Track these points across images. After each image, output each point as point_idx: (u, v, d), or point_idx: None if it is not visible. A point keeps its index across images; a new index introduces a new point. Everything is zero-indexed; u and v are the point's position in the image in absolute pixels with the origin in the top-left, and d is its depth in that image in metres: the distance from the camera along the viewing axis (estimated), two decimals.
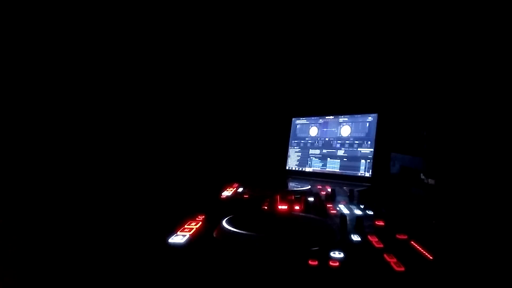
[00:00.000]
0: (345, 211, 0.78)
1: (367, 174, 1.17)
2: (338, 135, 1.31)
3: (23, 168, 1.00)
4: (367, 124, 1.23)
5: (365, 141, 1.22)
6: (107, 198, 0.91)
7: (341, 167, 1.25)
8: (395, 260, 0.47)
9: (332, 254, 0.49)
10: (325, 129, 1.36)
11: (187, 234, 0.58)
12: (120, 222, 0.68)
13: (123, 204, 0.84)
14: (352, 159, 1.23)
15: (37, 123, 1.08)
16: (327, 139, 1.34)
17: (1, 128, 1.00)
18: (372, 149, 1.19)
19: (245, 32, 1.92)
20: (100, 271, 0.46)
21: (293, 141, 1.45)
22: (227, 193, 0.99)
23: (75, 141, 1.15)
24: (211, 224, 0.63)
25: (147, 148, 1.68)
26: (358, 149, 1.22)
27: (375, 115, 1.22)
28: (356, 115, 1.28)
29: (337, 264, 0.46)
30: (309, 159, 1.36)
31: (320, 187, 1.09)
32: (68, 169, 1.09)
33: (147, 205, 0.83)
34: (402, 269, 0.45)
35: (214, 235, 0.58)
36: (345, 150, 1.26)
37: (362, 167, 1.19)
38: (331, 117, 1.36)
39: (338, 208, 0.80)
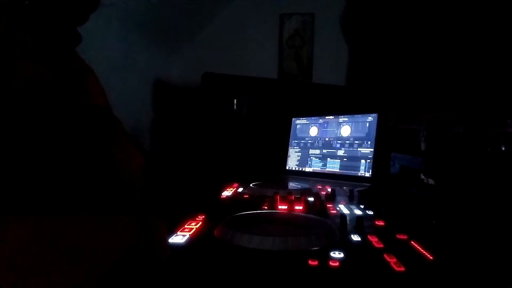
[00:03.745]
0: (345, 211, 0.78)
1: (367, 174, 1.17)
2: (338, 135, 1.31)
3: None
4: (367, 124, 1.23)
5: (365, 141, 1.22)
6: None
7: (341, 167, 1.25)
8: (395, 260, 0.47)
9: (332, 254, 0.49)
10: (325, 129, 1.36)
11: (187, 234, 0.58)
12: None
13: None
14: (352, 159, 1.23)
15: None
16: (327, 139, 1.34)
17: None
18: (372, 149, 1.19)
19: (246, 31, 1.92)
20: None
21: (293, 141, 1.45)
22: (227, 193, 0.99)
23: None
24: (211, 224, 0.63)
25: (146, 148, 1.68)
26: (358, 149, 1.22)
27: (375, 115, 1.22)
28: (356, 115, 1.28)
29: (337, 264, 0.46)
30: (309, 159, 1.36)
31: (320, 187, 1.09)
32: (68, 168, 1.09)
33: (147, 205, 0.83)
34: (402, 269, 0.45)
35: (215, 235, 0.58)
36: (345, 150, 1.26)
37: (362, 167, 1.19)
38: (331, 117, 1.36)
39: (338, 208, 0.80)
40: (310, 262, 0.46)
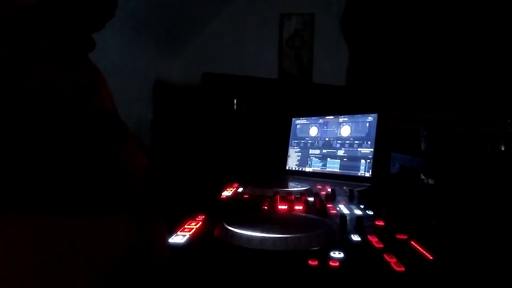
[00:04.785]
0: (345, 211, 0.78)
1: (367, 174, 1.17)
2: (338, 135, 1.31)
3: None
4: (367, 124, 1.23)
5: (365, 141, 1.22)
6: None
7: (341, 167, 1.25)
8: (395, 260, 0.47)
9: (332, 254, 0.49)
10: (325, 129, 1.36)
11: (187, 234, 0.58)
12: None
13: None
14: (352, 159, 1.23)
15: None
16: (327, 139, 1.34)
17: None
18: (372, 149, 1.18)
19: (246, 31, 1.92)
20: None
21: (293, 141, 1.45)
22: (227, 193, 0.99)
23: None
24: (211, 224, 0.63)
25: (146, 148, 1.68)
26: (358, 149, 1.22)
27: (375, 115, 1.22)
28: (356, 115, 1.28)
29: (337, 264, 0.46)
30: (309, 159, 1.36)
31: (320, 187, 1.09)
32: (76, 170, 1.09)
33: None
34: (402, 269, 0.45)
35: (215, 235, 0.58)
36: (345, 150, 1.26)
37: (362, 167, 1.19)
38: (331, 117, 1.36)
39: (338, 208, 0.80)
40: (310, 262, 0.46)
